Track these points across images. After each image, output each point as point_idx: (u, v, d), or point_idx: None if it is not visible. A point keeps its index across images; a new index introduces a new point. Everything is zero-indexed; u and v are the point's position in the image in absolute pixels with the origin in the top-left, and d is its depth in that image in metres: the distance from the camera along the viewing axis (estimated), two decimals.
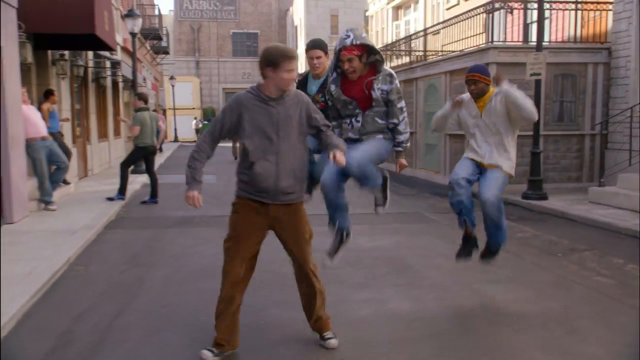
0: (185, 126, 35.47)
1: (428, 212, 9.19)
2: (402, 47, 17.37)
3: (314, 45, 4.28)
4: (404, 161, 4.25)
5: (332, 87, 4.04)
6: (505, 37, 13.10)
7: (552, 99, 11.03)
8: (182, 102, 35.72)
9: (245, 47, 57.07)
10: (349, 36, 3.81)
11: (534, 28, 11.68)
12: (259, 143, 3.29)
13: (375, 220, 8.32)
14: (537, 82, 9.55)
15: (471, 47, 12.02)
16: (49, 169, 8.50)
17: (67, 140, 10.83)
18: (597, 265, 5.78)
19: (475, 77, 4.44)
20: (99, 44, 10.28)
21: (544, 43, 11.05)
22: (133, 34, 13.71)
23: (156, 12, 28.00)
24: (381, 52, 4.08)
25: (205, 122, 39.96)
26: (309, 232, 3.54)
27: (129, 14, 13.56)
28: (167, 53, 30.70)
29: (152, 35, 24.39)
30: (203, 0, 55.85)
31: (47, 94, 9.44)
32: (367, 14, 31.13)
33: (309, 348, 3.66)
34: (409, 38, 16.66)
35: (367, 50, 3.89)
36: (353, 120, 4.04)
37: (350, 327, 4.02)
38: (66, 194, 10.04)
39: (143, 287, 4.96)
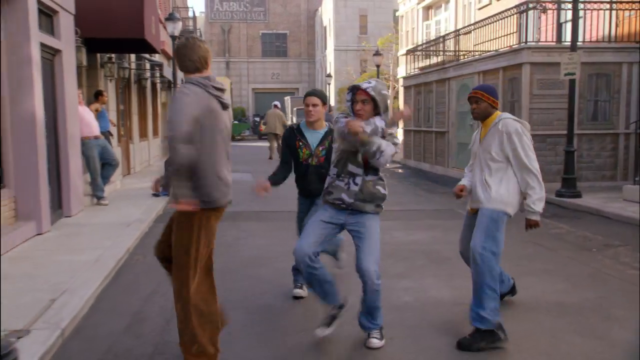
0: None
1: (461, 209, 9.37)
2: (434, 47, 17.54)
3: (312, 93, 4.31)
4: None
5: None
6: (540, 37, 13.19)
7: (586, 98, 11.12)
8: None
9: (274, 48, 57.69)
10: (370, 82, 3.56)
11: (567, 27, 11.80)
12: None
13: (410, 217, 8.65)
14: (572, 82, 9.68)
15: (504, 47, 12.17)
16: (100, 166, 9.00)
17: (113, 139, 11.36)
18: (631, 260, 5.96)
19: (478, 94, 3.88)
20: (144, 47, 10.79)
21: (578, 43, 11.16)
22: (173, 37, 14.21)
23: (190, 15, 28.63)
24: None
25: (235, 122, 40.67)
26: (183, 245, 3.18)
27: (170, 18, 14.06)
28: None
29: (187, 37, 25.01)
30: (233, 1, 56.65)
31: (97, 95, 9.94)
32: (397, 14, 31.27)
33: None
34: (442, 38, 16.81)
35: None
36: (351, 181, 3.64)
37: (396, 311, 4.33)
38: (113, 190, 10.55)
39: None
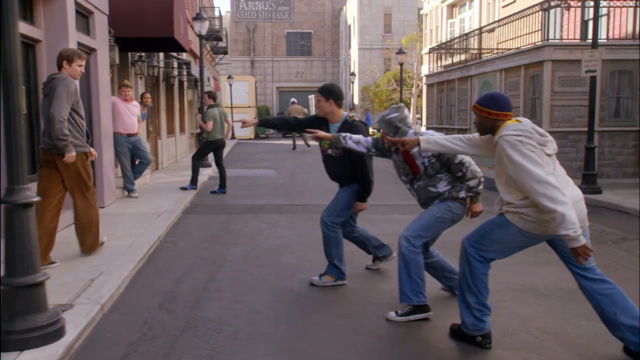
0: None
1: (484, 205, 9.56)
2: (457, 45, 17.62)
3: (318, 90, 4.74)
4: (477, 206, 4.20)
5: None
6: (567, 34, 13.18)
7: (608, 96, 11.14)
8: (239, 100, 36.90)
9: (298, 47, 58.06)
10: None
11: (591, 25, 11.79)
12: None
13: None
14: (593, 79, 9.74)
15: (527, 44, 12.23)
16: (134, 161, 9.42)
17: (142, 136, 11.77)
18: None
19: (474, 108, 3.61)
20: (173, 46, 11.17)
21: (602, 40, 11.18)
22: (201, 36, 14.60)
23: (216, 14, 29.12)
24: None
25: None
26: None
27: (197, 17, 14.44)
28: (226, 53, 31.80)
29: (213, 36, 25.43)
30: (258, 1, 57.18)
31: (140, 97, 10.37)
32: (421, 12, 31.30)
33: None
34: (465, 36, 16.90)
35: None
36: (412, 191, 4.24)
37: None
38: (143, 184, 10.96)
39: (227, 260, 5.66)
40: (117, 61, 9.33)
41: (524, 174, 3.16)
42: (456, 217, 4.12)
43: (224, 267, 5.41)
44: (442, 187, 4.05)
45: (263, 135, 38.31)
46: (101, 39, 8.21)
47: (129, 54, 11.28)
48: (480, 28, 15.99)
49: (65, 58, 4.99)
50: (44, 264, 4.52)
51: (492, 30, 14.65)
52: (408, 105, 34.89)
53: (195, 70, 16.35)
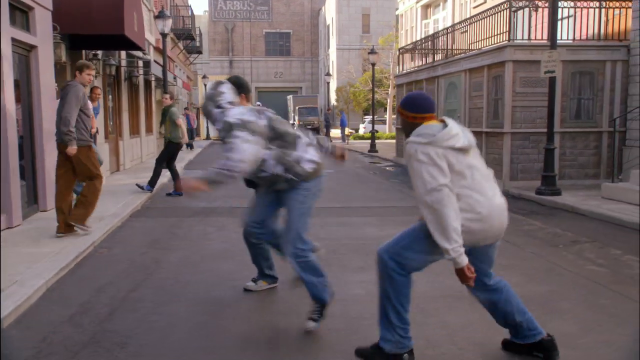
0: None
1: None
2: (427, 46, 17.51)
3: None
4: (336, 152, 4.15)
5: None
6: (536, 36, 13.11)
7: (569, 96, 11.09)
8: None
9: (277, 47, 57.76)
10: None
11: (559, 25, 11.73)
12: None
13: (387, 213, 8.68)
14: (552, 80, 9.66)
15: (491, 45, 12.13)
16: None
17: (100, 136, 11.42)
18: (595, 256, 5.96)
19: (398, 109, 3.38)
20: (130, 44, 10.85)
21: (566, 41, 11.14)
22: (164, 34, 14.29)
23: (189, 13, 28.75)
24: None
25: None
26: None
27: (160, 15, 14.14)
28: (200, 53, 31.46)
29: (185, 35, 25.09)
30: (237, 0, 56.76)
31: (90, 91, 10.01)
32: (396, 12, 31.28)
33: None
34: (431, 37, 16.81)
35: None
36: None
37: (343, 303, 4.35)
38: None
39: (160, 267, 5.40)
40: (64, 59, 9.00)
41: (415, 187, 3.05)
42: (312, 195, 3.88)
43: (154, 274, 5.16)
44: (272, 167, 3.75)
45: None
46: (43, 36, 7.88)
47: (83, 51, 10.95)
48: (447, 28, 15.89)
49: (77, 68, 6.23)
50: (67, 231, 6.27)
51: (465, 31, 14.54)
52: (384, 106, 34.84)
53: (157, 70, 16.01)
